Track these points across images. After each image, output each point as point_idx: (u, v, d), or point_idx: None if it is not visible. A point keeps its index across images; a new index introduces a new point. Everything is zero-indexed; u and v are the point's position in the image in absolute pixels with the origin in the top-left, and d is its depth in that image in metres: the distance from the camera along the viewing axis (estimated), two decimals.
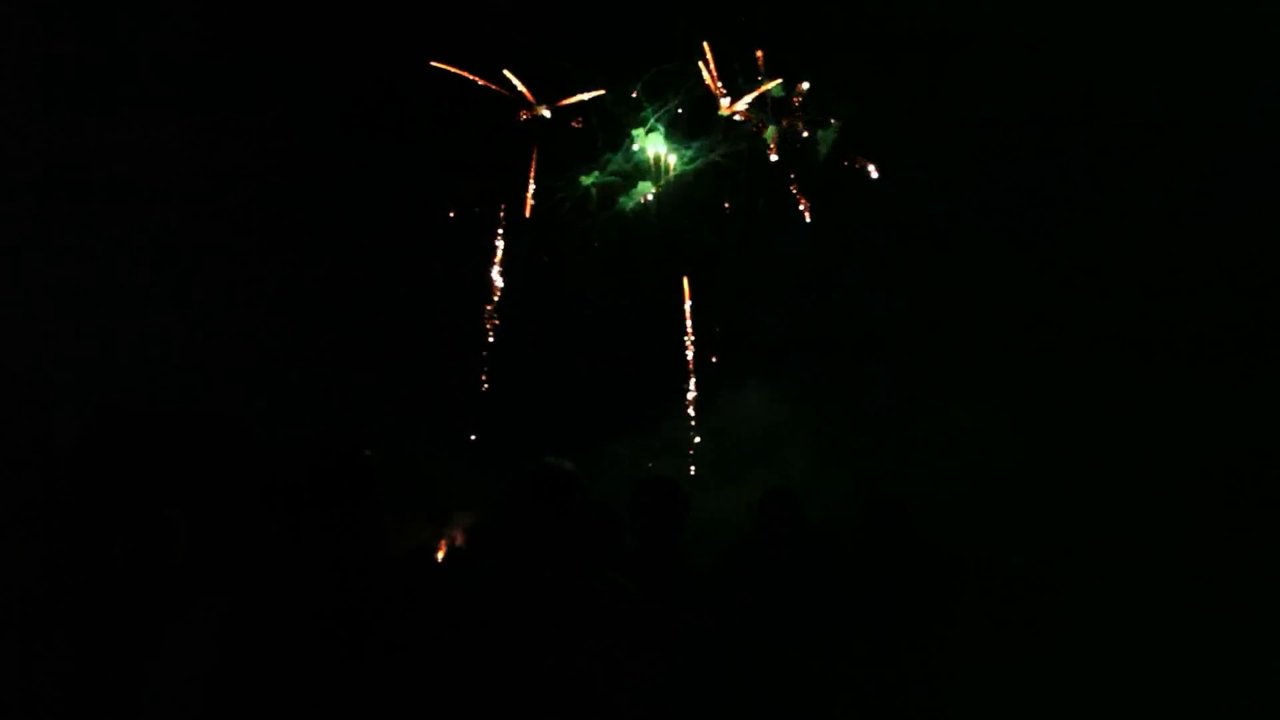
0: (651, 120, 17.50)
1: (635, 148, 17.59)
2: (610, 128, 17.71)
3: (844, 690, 3.69)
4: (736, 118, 17.34)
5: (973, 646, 3.72)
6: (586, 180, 17.79)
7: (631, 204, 17.61)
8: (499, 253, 18.12)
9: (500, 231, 18.00)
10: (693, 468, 16.12)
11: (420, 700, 2.28)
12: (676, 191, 17.65)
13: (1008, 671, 3.61)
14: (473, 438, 16.52)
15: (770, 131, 17.04)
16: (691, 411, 17.21)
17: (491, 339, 17.97)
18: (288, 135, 14.91)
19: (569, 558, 2.44)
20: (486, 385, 17.10)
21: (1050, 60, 13.10)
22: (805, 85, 16.91)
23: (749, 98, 17.21)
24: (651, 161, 17.72)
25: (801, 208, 16.79)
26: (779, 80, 17.07)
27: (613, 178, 17.66)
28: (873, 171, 16.42)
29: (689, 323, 18.06)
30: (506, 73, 17.35)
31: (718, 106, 17.37)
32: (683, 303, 17.77)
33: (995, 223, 13.86)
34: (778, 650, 3.72)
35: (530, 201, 17.90)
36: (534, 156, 18.19)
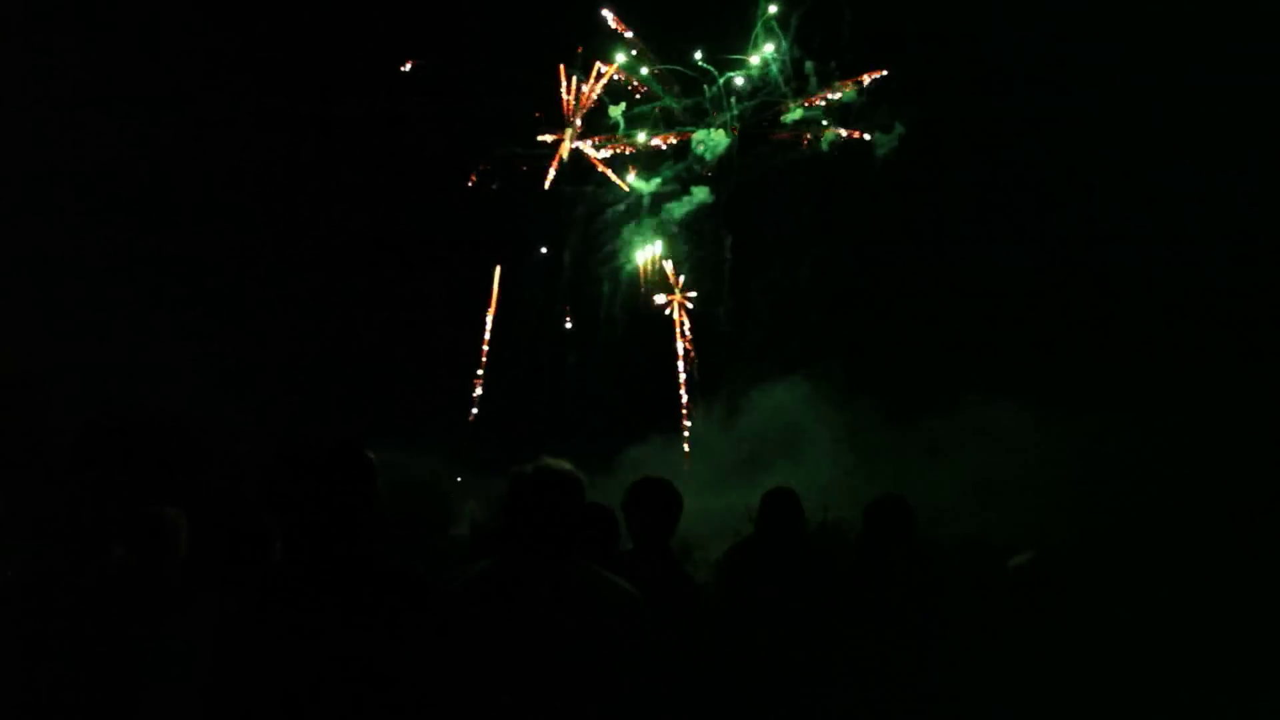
0: (715, 125, 17.46)
1: (699, 151, 17.56)
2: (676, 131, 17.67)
3: (844, 690, 3.68)
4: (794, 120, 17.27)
5: (973, 646, 3.71)
6: (645, 187, 17.77)
7: (683, 211, 17.59)
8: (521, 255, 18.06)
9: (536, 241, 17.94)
10: (689, 471, 16.13)
11: (420, 699, 2.28)
12: (732, 197, 17.62)
13: (1009, 671, 3.61)
14: (483, 442, 16.51)
15: (829, 135, 17.02)
16: (715, 414, 17.19)
17: (493, 341, 17.90)
18: (294, 140, 14.90)
19: (568, 557, 2.44)
20: (509, 386, 17.05)
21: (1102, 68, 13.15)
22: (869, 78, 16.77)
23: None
24: (713, 165, 17.64)
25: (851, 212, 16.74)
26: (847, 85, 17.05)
27: (671, 185, 17.64)
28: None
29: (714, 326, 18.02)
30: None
31: (781, 111, 17.31)
32: (718, 307, 17.73)
33: (1025, 228, 13.93)
34: (776, 650, 3.72)
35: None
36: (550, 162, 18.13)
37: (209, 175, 13.55)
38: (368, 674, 2.27)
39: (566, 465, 2.52)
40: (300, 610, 2.32)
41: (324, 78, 15.03)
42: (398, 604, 2.38)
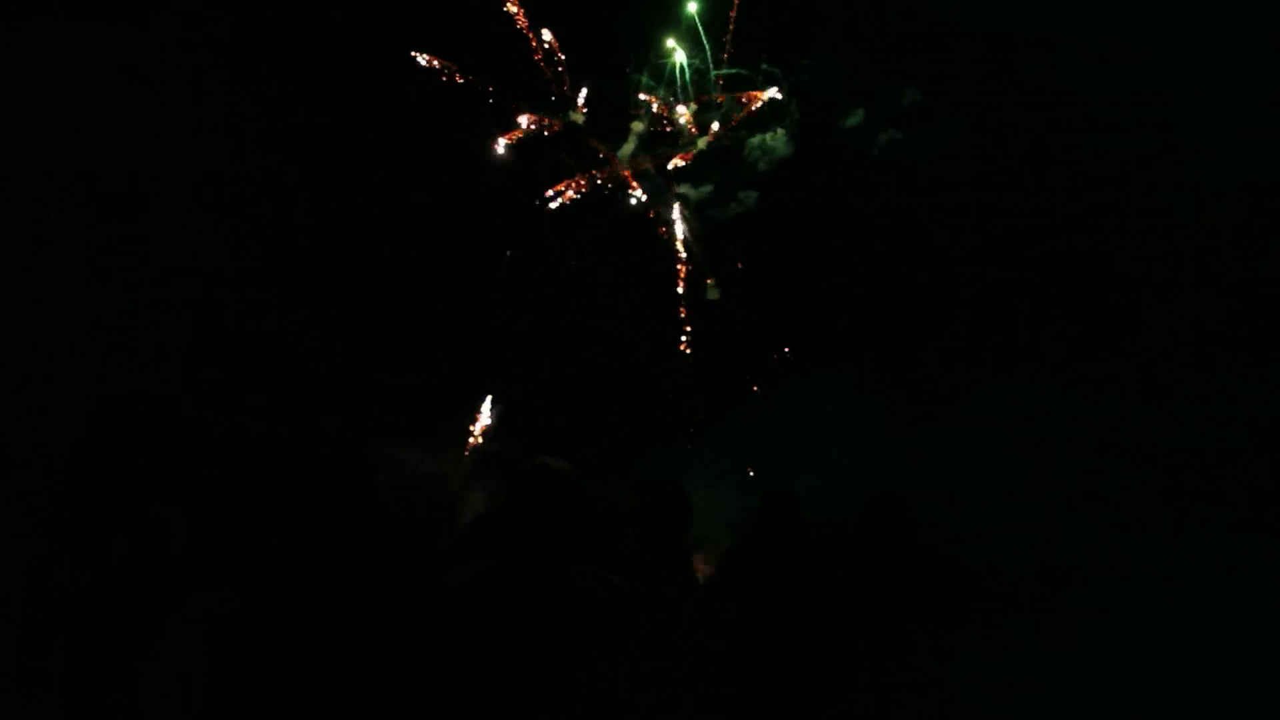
0: (775, 129, 17.36)
1: (751, 158, 17.47)
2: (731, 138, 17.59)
3: (844, 691, 3.68)
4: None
5: (973, 646, 3.71)
6: (693, 194, 17.71)
7: (727, 215, 17.53)
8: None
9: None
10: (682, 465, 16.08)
11: (418, 700, 2.27)
12: (778, 200, 17.49)
13: (1008, 672, 3.61)
14: (499, 442, 16.40)
15: (884, 138, 16.98)
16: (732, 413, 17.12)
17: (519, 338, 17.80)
18: (292, 131, 14.84)
19: (567, 557, 2.43)
20: (534, 387, 16.95)
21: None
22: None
23: None
24: (766, 170, 17.53)
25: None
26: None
27: (710, 188, 17.57)
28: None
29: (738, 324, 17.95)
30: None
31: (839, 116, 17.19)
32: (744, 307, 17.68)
33: (1045, 222, 13.90)
34: (777, 651, 3.72)
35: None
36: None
37: (212, 172, 13.53)
38: (366, 675, 2.27)
39: (566, 464, 2.52)
40: (299, 611, 2.32)
41: (329, 70, 14.98)
42: (396, 604, 2.37)
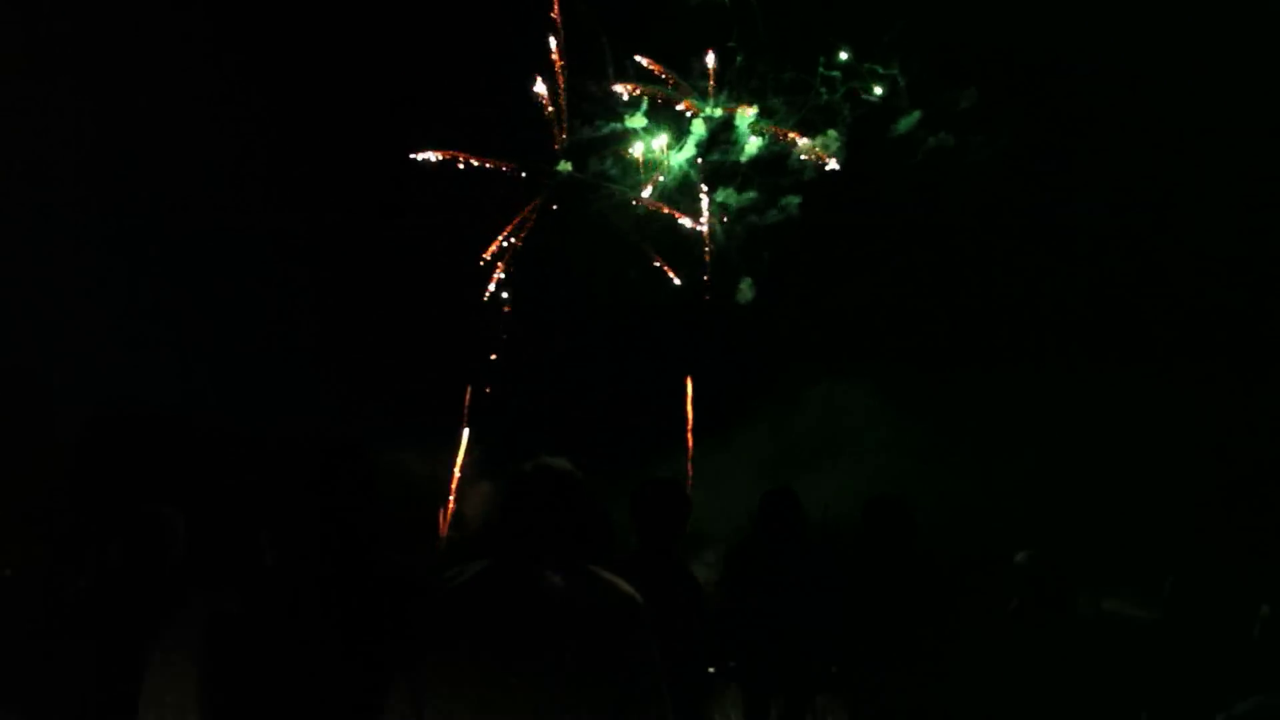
0: (827, 134, 17.24)
1: (797, 164, 17.38)
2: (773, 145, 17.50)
3: (844, 689, 3.68)
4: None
5: (973, 645, 3.71)
6: (735, 200, 17.63)
7: (765, 221, 17.43)
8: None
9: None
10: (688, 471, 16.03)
11: (416, 702, 2.27)
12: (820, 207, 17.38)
13: (1006, 670, 3.60)
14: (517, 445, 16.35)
15: (932, 142, 16.91)
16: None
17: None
18: (298, 139, 14.85)
19: (567, 557, 2.42)
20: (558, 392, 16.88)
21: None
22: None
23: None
24: (814, 176, 17.41)
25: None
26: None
27: (754, 195, 17.47)
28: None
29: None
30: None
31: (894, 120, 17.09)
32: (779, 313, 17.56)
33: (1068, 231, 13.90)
34: (776, 649, 3.71)
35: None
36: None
37: (210, 173, 13.55)
38: (364, 677, 2.26)
39: (566, 463, 2.50)
40: (297, 612, 2.31)
41: (327, 77, 15.00)
42: (395, 607, 2.36)
